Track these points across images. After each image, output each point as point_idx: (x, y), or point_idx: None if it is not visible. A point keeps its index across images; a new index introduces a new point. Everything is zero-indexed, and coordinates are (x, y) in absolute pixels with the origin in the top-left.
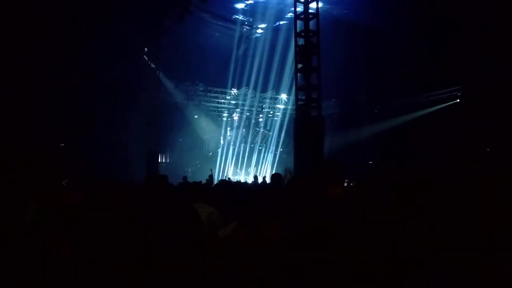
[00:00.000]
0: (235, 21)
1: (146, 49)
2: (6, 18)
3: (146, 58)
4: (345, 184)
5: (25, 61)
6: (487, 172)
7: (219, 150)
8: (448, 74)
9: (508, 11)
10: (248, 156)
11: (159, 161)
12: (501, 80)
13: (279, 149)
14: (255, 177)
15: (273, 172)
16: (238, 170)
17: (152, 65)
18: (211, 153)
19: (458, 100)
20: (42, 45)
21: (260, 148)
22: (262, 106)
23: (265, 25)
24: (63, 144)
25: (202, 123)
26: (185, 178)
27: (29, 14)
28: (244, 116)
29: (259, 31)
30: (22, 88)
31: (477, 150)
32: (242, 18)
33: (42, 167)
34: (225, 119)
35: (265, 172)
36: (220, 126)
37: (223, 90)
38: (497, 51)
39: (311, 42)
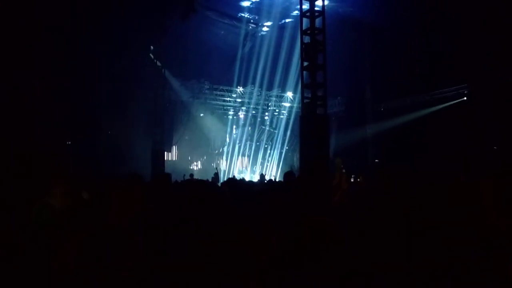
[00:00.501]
0: (240, 19)
1: (151, 47)
2: (12, 14)
3: (152, 56)
4: (352, 180)
5: (28, 59)
6: (490, 174)
7: (225, 148)
8: (455, 72)
9: None
10: (253, 154)
11: (165, 159)
12: (508, 78)
13: (285, 147)
14: (262, 176)
15: (286, 171)
16: (243, 168)
17: (158, 63)
18: (216, 151)
19: (465, 98)
20: (47, 44)
21: (265, 146)
22: (267, 104)
23: (271, 23)
24: (69, 142)
25: (208, 121)
26: (192, 175)
27: (32, 14)
28: (250, 114)
29: (265, 29)
30: (25, 86)
31: (484, 148)
32: (248, 16)
33: (46, 166)
34: (230, 117)
35: (271, 170)
36: (225, 124)
37: (229, 88)
38: (504, 49)
39: (317, 40)
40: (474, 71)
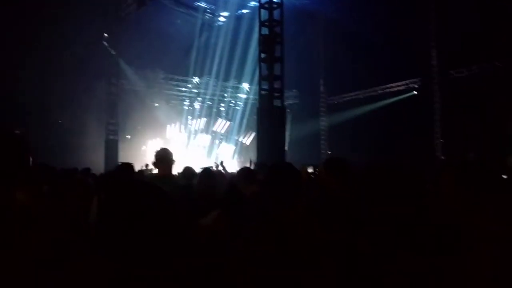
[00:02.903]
0: (197, 8)
1: (105, 34)
2: None
3: (106, 44)
4: (311, 170)
5: None
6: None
7: (180, 139)
8: (406, 66)
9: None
10: (209, 146)
11: (118, 149)
12: (456, 73)
13: (240, 139)
14: (222, 163)
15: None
16: (198, 159)
17: (112, 52)
18: (171, 141)
19: (414, 92)
20: None
21: (221, 137)
22: (223, 95)
23: (228, 13)
24: (18, 131)
25: (163, 111)
26: (147, 165)
27: None
28: (206, 105)
29: (222, 19)
30: None
31: (431, 141)
32: (204, 6)
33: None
34: (186, 107)
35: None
36: (181, 115)
37: (185, 78)
38: (453, 45)
39: (275, 32)
40: (424, 66)
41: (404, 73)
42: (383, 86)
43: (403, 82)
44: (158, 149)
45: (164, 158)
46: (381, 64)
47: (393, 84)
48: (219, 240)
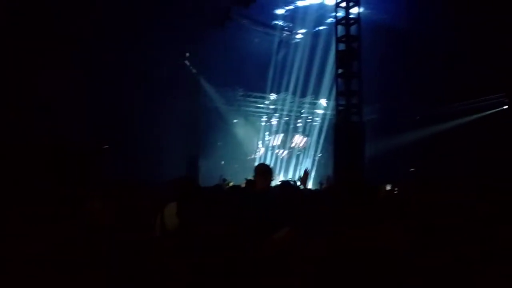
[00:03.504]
0: (274, 27)
1: (187, 54)
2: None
3: (187, 63)
4: (389, 188)
5: (66, 62)
6: None
7: (257, 155)
8: (494, 79)
9: None
10: (286, 161)
11: (199, 164)
12: None
13: (318, 155)
14: (300, 179)
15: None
16: (276, 175)
17: (193, 70)
18: (249, 157)
19: (506, 107)
20: (84, 47)
21: (298, 153)
22: (300, 111)
23: (305, 30)
24: (107, 146)
25: (241, 128)
26: (224, 180)
27: (72, 17)
28: (283, 121)
29: (299, 36)
30: (62, 90)
31: None
32: (282, 24)
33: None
34: (263, 123)
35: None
36: (258, 131)
37: (262, 95)
38: None
39: (352, 47)
40: None
41: (493, 86)
42: (470, 101)
43: (493, 96)
44: (259, 164)
45: (264, 172)
46: (467, 77)
47: (480, 99)
48: (287, 256)
